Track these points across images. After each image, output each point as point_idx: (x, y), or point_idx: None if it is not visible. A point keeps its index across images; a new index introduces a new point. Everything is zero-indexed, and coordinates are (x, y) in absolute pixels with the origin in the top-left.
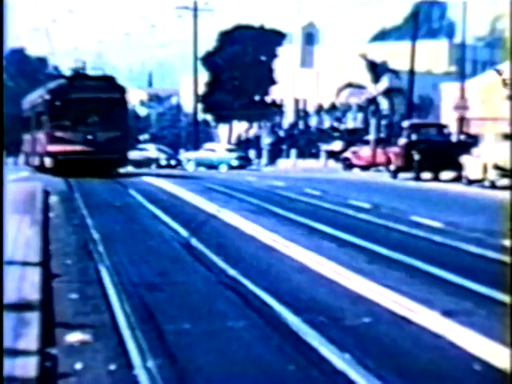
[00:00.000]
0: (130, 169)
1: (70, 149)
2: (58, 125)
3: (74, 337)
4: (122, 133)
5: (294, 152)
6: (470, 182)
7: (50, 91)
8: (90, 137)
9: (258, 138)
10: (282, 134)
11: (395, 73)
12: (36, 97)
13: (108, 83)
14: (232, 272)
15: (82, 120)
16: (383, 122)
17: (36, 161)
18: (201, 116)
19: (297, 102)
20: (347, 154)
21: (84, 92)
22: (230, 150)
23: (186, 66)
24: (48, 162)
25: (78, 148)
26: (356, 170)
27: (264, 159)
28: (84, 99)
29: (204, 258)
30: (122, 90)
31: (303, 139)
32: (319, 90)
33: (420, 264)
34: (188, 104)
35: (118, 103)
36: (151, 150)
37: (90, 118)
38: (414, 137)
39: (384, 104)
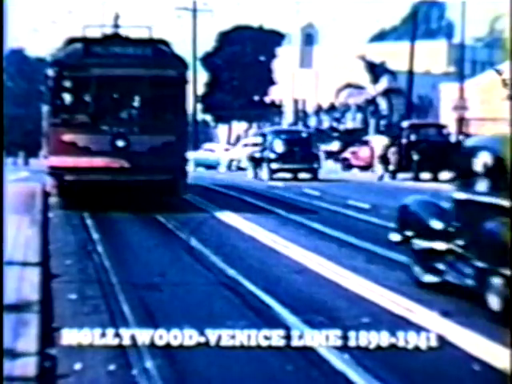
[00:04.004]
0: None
1: (85, 163)
2: (67, 121)
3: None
4: (177, 137)
5: None
6: None
7: (55, 63)
8: (121, 143)
9: None
10: None
11: (392, 73)
12: None
13: (156, 52)
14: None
15: (108, 114)
16: (382, 123)
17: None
18: (200, 116)
19: (296, 102)
20: (346, 155)
21: (113, 66)
22: (229, 151)
23: None
24: (50, 183)
25: (99, 162)
26: (355, 171)
27: None
28: (113, 78)
29: None
30: (179, 65)
31: None
32: (318, 91)
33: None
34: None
35: (173, 87)
36: None
37: (123, 110)
38: (413, 137)
39: (383, 104)
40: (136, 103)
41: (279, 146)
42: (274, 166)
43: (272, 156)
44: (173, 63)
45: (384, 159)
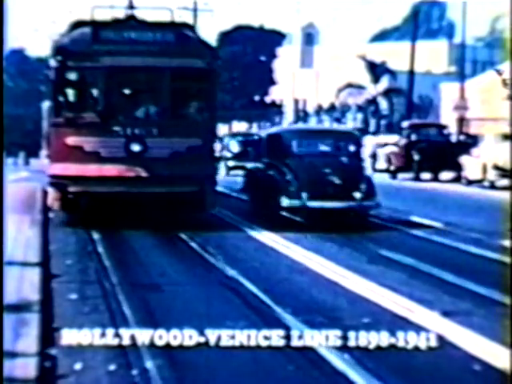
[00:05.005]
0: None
1: (93, 172)
2: (72, 121)
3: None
4: (204, 140)
5: None
6: (470, 183)
7: (58, 51)
8: (136, 147)
9: None
10: None
11: (393, 73)
12: None
13: (180, 37)
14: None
15: (120, 112)
16: (383, 122)
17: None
18: None
19: (296, 102)
20: None
21: (127, 54)
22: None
23: None
24: (51, 195)
25: (110, 170)
26: None
27: None
28: (127, 69)
29: None
30: (207, 53)
31: None
32: (319, 91)
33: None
34: None
35: (200, 80)
36: None
37: (139, 108)
38: (413, 137)
39: (384, 104)
40: (155, 99)
41: (235, 147)
42: (231, 163)
43: (229, 155)
44: (199, 51)
45: (374, 158)
